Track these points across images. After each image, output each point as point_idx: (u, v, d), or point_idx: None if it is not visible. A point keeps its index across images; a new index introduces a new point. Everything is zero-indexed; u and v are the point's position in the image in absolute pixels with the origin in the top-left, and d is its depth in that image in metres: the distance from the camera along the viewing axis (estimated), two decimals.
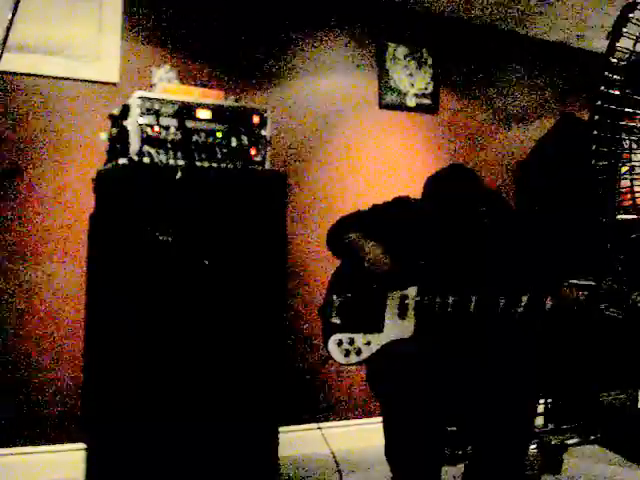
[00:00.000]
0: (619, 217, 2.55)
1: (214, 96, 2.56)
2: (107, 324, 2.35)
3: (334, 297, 2.21)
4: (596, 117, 2.45)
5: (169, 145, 2.32)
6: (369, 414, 3.29)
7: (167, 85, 2.58)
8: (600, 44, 3.22)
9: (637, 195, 2.54)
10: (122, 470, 2.21)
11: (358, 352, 2.12)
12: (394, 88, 3.51)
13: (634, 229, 2.53)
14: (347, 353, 2.13)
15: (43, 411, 2.70)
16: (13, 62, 2.64)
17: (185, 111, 2.36)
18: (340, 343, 2.14)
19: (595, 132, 2.46)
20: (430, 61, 3.60)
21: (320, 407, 3.23)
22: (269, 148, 2.51)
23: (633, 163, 2.53)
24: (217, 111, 2.43)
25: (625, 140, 2.50)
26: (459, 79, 3.70)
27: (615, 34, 2.37)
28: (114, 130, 2.44)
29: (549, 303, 1.97)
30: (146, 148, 2.28)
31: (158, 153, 2.30)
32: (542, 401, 3.23)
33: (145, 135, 2.28)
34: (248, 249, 2.43)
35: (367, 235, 2.21)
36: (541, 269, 2.16)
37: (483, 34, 3.76)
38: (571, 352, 3.18)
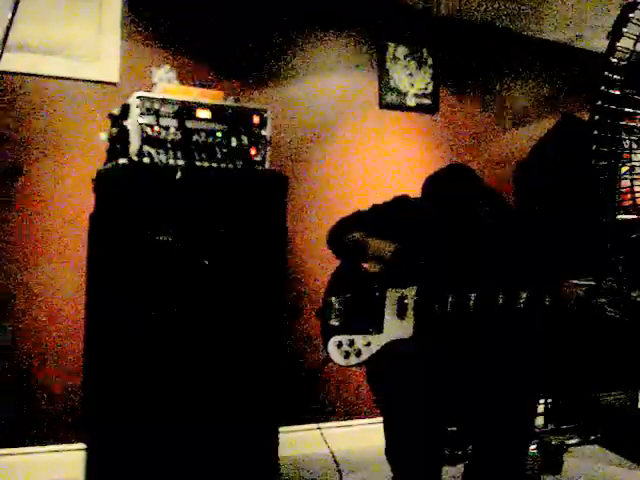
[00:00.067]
0: (619, 217, 2.55)
1: (214, 96, 2.56)
2: (107, 324, 2.35)
3: (333, 299, 2.20)
4: (596, 117, 2.45)
5: (169, 145, 2.32)
6: (369, 414, 3.29)
7: (167, 85, 2.58)
8: (600, 44, 3.22)
9: (637, 195, 2.54)
10: (122, 470, 2.21)
11: (358, 353, 2.11)
12: (394, 88, 3.51)
13: (634, 229, 2.53)
14: (347, 355, 2.12)
15: (43, 411, 2.70)
16: (13, 62, 2.64)
17: (185, 111, 2.36)
18: (340, 345, 2.13)
19: (595, 132, 2.45)
20: (430, 61, 3.60)
21: (320, 407, 3.23)
22: (269, 148, 2.51)
23: (633, 163, 2.53)
24: (217, 111, 2.43)
25: (625, 140, 2.50)
26: (459, 79, 3.70)
27: (615, 34, 2.37)
28: (114, 130, 2.44)
29: (548, 300, 1.97)
30: (146, 148, 2.28)
31: (158, 153, 2.30)
32: (542, 401, 3.23)
33: (145, 135, 2.28)
34: (248, 249, 2.43)
35: (369, 235, 2.21)
36: (540, 267, 2.16)
37: (483, 34, 3.76)
38: (571, 352, 3.18)
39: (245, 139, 2.46)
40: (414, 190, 2.38)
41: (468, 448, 2.16)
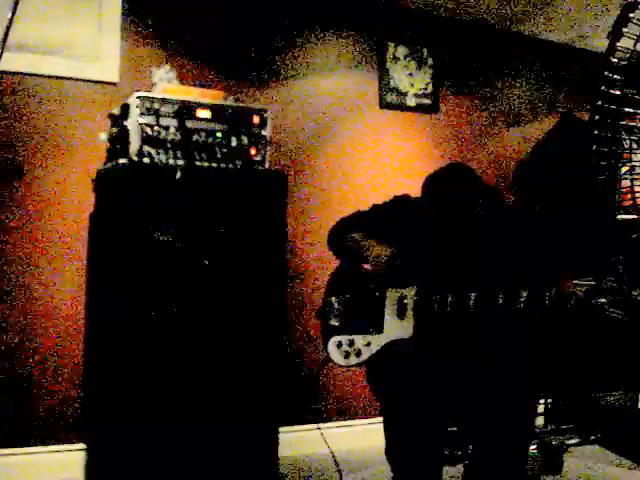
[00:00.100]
0: (619, 217, 2.54)
1: (214, 96, 2.56)
2: (107, 324, 2.35)
3: (332, 299, 2.20)
4: (596, 117, 2.44)
5: (169, 145, 2.32)
6: (369, 414, 3.29)
7: (167, 85, 2.58)
8: (600, 44, 3.22)
9: (637, 195, 2.54)
10: (122, 470, 2.21)
11: (358, 353, 2.11)
12: (394, 88, 3.51)
13: (634, 229, 2.53)
14: (347, 355, 2.12)
15: (43, 411, 2.70)
16: (13, 62, 2.64)
17: (185, 111, 2.36)
18: (340, 345, 2.13)
19: (595, 132, 2.45)
20: (430, 61, 3.60)
21: (320, 407, 3.23)
22: (269, 148, 2.51)
23: (633, 163, 2.53)
24: (217, 111, 2.43)
25: (625, 140, 2.50)
26: (459, 79, 3.70)
27: (615, 34, 2.36)
28: (114, 130, 2.44)
29: (548, 300, 1.97)
30: (146, 148, 2.28)
31: (158, 153, 2.30)
32: (542, 401, 3.23)
33: (145, 135, 2.28)
34: (248, 249, 2.43)
35: (369, 235, 2.21)
36: (540, 267, 2.16)
37: (483, 34, 3.76)
38: (571, 352, 3.18)
39: (245, 139, 2.46)
40: (414, 190, 2.39)
41: (468, 448, 2.16)
